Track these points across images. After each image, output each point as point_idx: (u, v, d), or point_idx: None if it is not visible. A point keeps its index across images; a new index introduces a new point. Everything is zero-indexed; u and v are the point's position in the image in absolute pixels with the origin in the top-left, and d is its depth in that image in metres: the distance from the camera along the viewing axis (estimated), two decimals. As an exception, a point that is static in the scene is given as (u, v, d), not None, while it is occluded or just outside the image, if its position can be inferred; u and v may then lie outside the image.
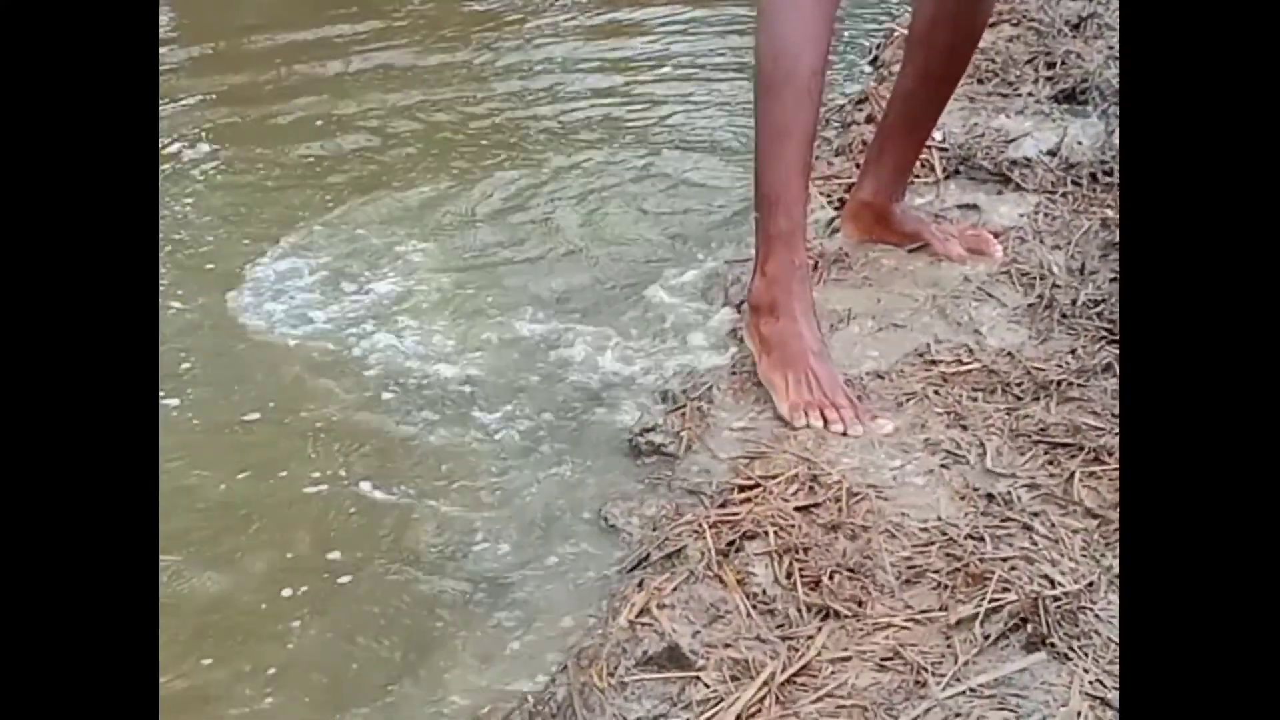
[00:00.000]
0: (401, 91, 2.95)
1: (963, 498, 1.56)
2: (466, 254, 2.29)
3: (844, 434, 1.65)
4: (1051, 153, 2.39)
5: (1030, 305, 1.95)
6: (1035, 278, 2.02)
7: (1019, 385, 1.76)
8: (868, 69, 2.99)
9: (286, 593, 1.43)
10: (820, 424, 1.67)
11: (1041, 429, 1.67)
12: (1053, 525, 1.49)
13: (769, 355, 1.75)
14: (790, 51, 1.67)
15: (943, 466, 1.62)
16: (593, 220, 2.41)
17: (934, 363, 1.82)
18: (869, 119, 2.57)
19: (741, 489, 1.59)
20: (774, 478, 1.59)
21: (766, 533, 1.50)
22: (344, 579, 1.48)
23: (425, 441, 1.74)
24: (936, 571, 1.43)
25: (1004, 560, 1.43)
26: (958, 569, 1.42)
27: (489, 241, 2.33)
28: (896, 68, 2.81)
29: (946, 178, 2.37)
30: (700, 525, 1.52)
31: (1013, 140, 2.46)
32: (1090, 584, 1.39)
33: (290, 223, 2.40)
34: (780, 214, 1.71)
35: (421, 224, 2.40)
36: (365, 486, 1.64)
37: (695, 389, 1.81)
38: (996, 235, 2.13)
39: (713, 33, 3.22)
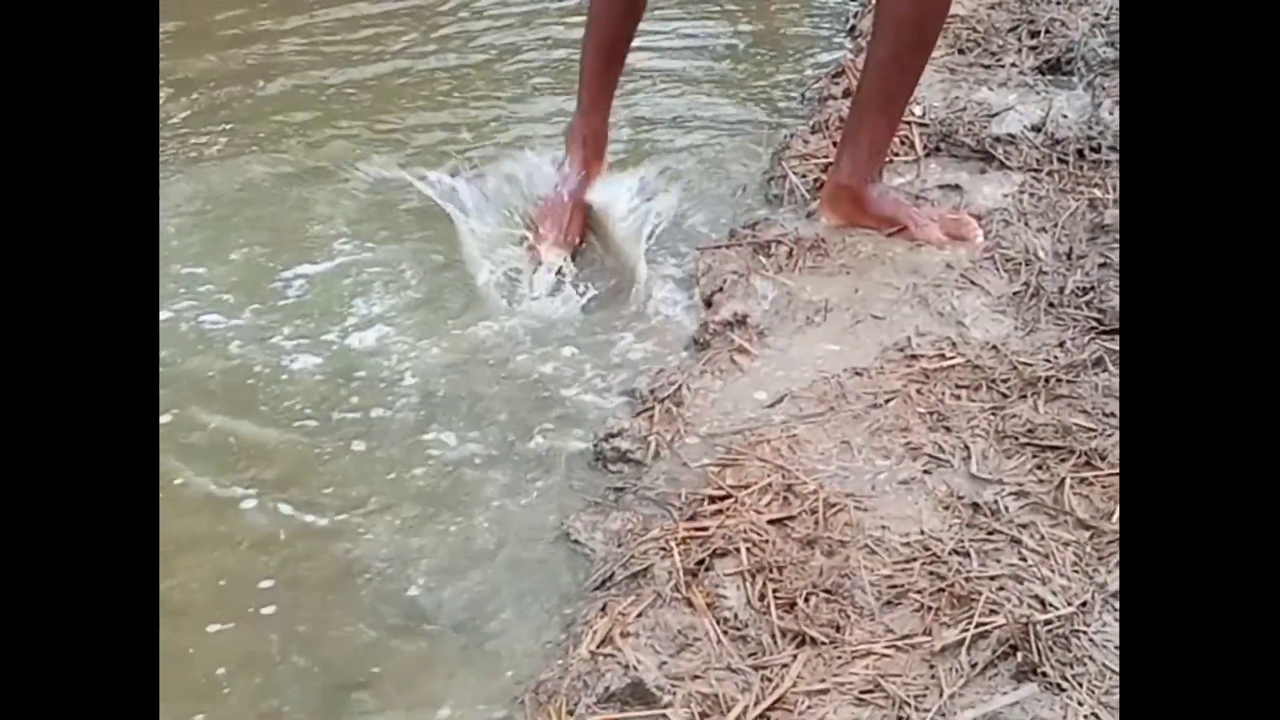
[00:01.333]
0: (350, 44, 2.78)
1: (946, 507, 1.46)
2: (407, 232, 2.11)
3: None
4: (1036, 128, 2.28)
5: (1015, 294, 1.86)
6: (1020, 263, 1.92)
7: (1005, 382, 1.67)
8: (845, 39, 2.86)
9: (213, 628, 1.33)
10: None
11: (1029, 430, 1.58)
12: (1042, 538, 1.41)
13: None
14: None
15: (925, 472, 1.53)
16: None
17: (915, 358, 1.73)
18: (846, 93, 2.46)
19: (712, 500, 1.50)
20: (746, 487, 1.50)
21: (738, 549, 1.41)
22: (274, 610, 1.37)
23: (364, 453, 1.62)
24: (919, 592, 1.34)
25: (991, 579, 1.34)
26: (942, 589, 1.33)
27: (430, 212, 2.13)
28: (875, 38, 2.72)
29: (927, 155, 2.26)
30: (668, 542, 1.42)
31: (995, 115, 2.36)
32: (1084, 604, 1.30)
33: (196, 193, 2.21)
34: (582, 88, 2.13)
35: (349, 193, 2.22)
36: (297, 508, 1.52)
37: (664, 388, 1.71)
38: (979, 218, 2.03)
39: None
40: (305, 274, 2.00)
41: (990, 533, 1.42)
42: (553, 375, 1.78)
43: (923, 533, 1.42)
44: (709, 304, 1.92)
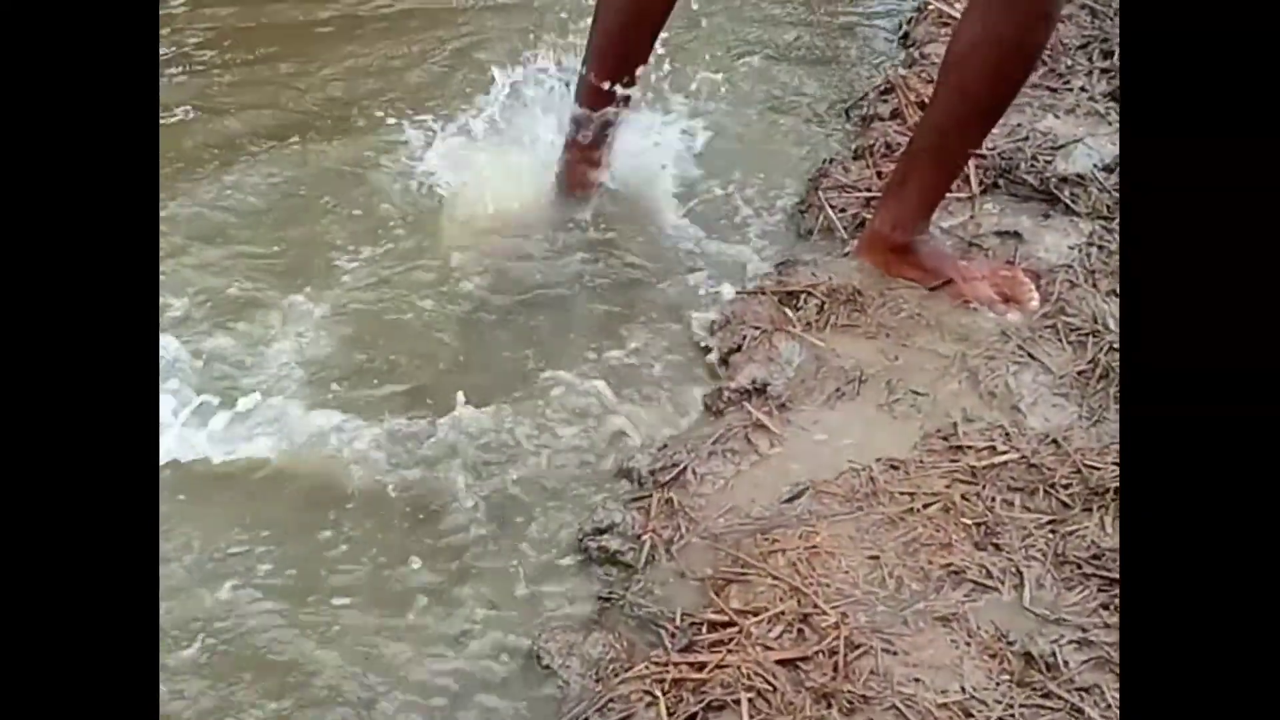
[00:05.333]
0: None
1: (993, 655, 1.22)
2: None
3: None
4: (1108, 169, 2.01)
5: (1081, 373, 1.60)
6: (1087, 334, 1.67)
7: (1066, 488, 1.42)
8: (895, 50, 2.58)
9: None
10: None
11: (1094, 555, 1.33)
12: (1109, 707, 1.16)
13: None
14: None
15: (968, 601, 1.28)
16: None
17: (961, 449, 1.48)
18: (895, 114, 2.20)
19: (713, 626, 1.26)
20: (754, 614, 1.26)
21: (739, 700, 1.17)
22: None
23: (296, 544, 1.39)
24: (957, 777, 1.09)
25: (1046, 766, 1.10)
26: (985, 775, 1.09)
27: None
28: (929, 48, 2.44)
29: (983, 192, 2.00)
30: (654, 685, 1.18)
31: (1061, 147, 2.09)
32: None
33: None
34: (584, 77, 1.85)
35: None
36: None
37: (666, 470, 1.47)
38: (1038, 276, 1.77)
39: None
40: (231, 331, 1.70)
41: (1045, 695, 1.18)
42: (534, 447, 1.52)
43: (963, 690, 1.18)
44: (725, 363, 1.67)
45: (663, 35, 1.87)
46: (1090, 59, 2.38)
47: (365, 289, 1.76)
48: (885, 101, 2.26)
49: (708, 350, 1.69)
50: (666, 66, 2.10)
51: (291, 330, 1.68)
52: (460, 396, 1.56)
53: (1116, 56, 2.36)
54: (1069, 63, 2.37)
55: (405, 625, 1.30)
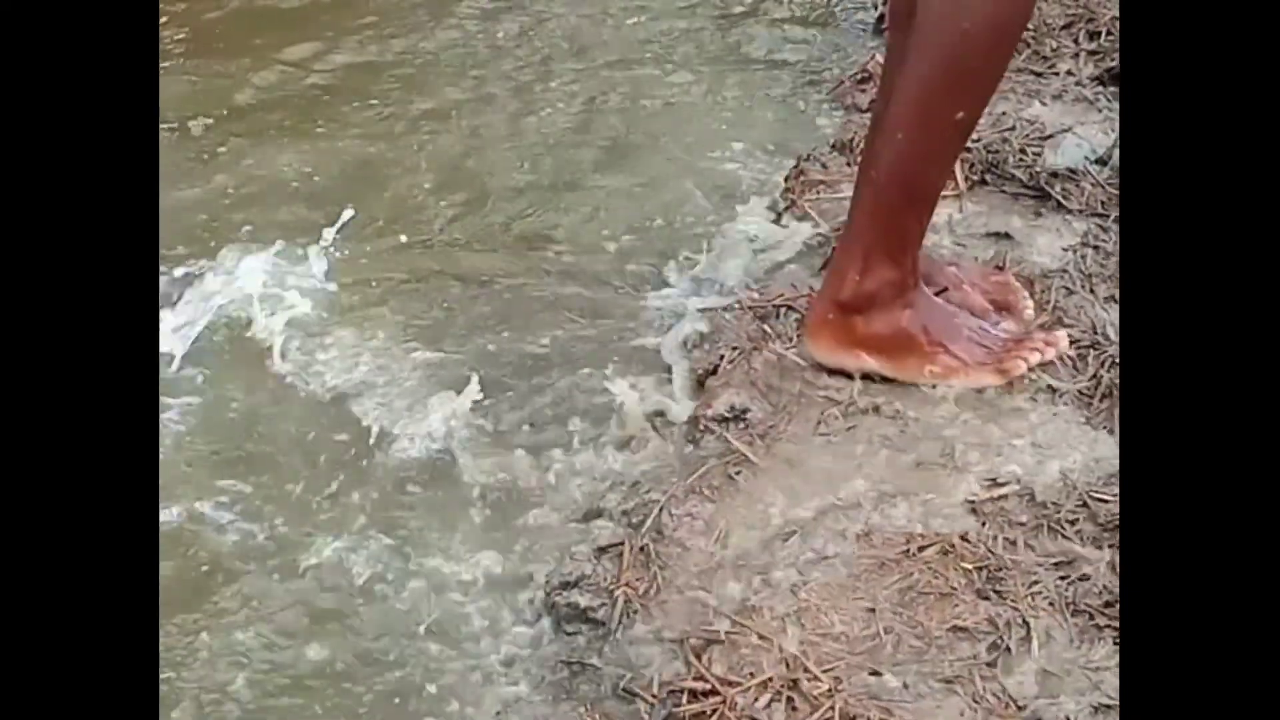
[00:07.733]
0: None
1: (1001, 722, 1.11)
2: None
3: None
4: (1101, 160, 1.90)
5: (1081, 391, 1.49)
6: (1087, 346, 1.56)
7: (1071, 524, 1.31)
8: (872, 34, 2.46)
9: None
10: (1027, 365, 1.49)
11: (1107, 603, 1.22)
12: (1132, 783, 1.05)
13: (910, 349, 1.48)
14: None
15: (972, 660, 1.18)
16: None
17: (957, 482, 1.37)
18: (873, 104, 2.07)
19: (694, 696, 1.15)
20: (737, 683, 1.14)
21: (725, 784, 1.05)
22: None
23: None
24: None
25: None
26: None
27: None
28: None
29: (970, 188, 1.88)
30: (631, 772, 1.07)
31: (1049, 137, 1.97)
32: None
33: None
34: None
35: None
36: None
37: (639, 510, 1.36)
38: (1031, 282, 1.65)
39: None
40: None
41: (1061, 771, 1.07)
42: (494, 486, 1.40)
43: (971, 769, 1.07)
44: (701, 385, 1.55)
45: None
46: (1076, 40, 2.26)
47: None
48: (862, 90, 2.15)
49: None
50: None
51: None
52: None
53: (1104, 37, 2.25)
54: (1054, 44, 2.25)
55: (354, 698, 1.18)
